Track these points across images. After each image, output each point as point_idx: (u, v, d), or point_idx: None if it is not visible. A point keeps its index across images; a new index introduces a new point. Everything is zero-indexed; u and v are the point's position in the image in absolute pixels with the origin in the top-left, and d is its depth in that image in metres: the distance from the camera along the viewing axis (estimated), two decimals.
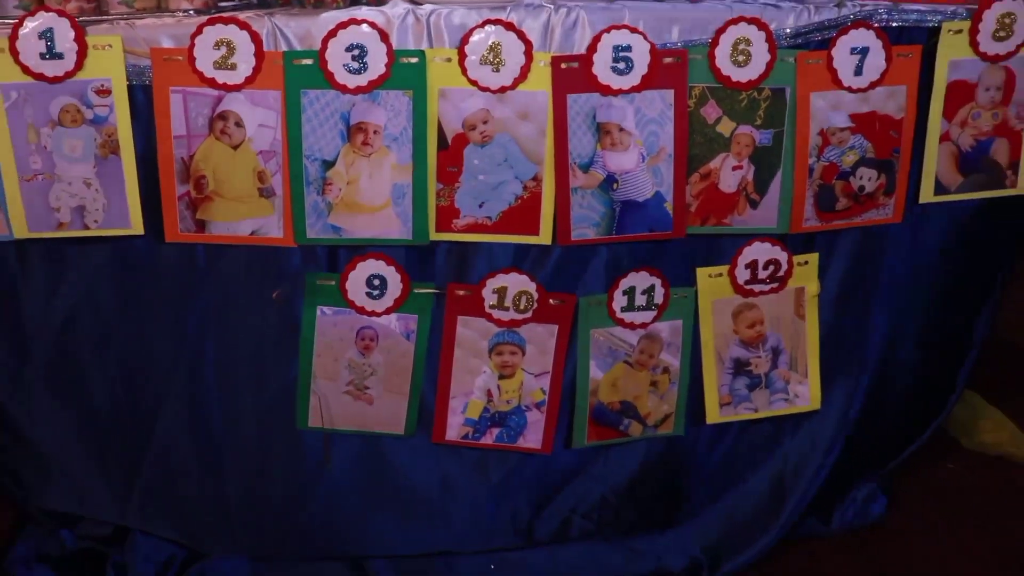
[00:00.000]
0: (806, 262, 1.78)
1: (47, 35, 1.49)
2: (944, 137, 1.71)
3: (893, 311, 1.90)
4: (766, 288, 1.79)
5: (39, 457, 1.85)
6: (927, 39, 1.67)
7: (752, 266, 1.76)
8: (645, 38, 1.58)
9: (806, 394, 1.88)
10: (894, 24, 1.64)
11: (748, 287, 1.78)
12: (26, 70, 1.52)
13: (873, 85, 1.65)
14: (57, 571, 1.95)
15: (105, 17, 1.64)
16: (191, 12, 1.67)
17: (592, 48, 1.57)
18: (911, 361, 1.98)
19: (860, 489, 2.12)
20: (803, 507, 1.99)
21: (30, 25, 1.49)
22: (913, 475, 2.27)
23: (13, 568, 1.96)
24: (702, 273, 1.77)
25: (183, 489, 1.89)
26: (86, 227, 1.61)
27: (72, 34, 1.50)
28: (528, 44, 1.56)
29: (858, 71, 1.64)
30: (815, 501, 2.04)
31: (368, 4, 1.74)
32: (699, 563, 1.97)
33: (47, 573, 1.95)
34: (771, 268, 1.76)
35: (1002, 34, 1.63)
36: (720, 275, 1.77)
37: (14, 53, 1.50)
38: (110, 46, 1.52)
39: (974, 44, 1.64)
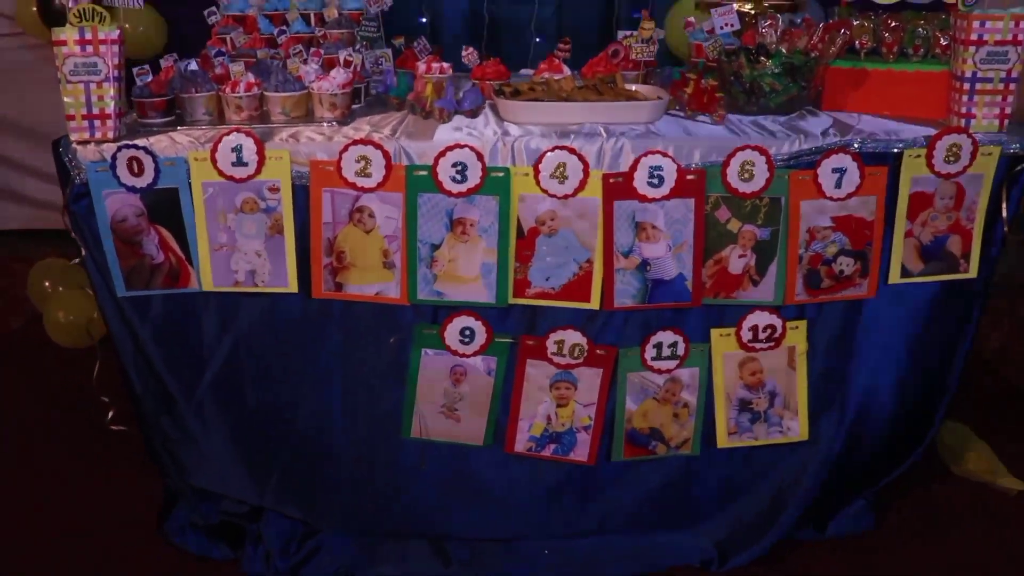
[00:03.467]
0: (796, 327, 2.16)
1: (237, 149, 1.99)
2: (908, 233, 2.10)
3: (870, 365, 2.23)
4: (765, 346, 2.17)
5: (199, 448, 2.31)
6: (892, 161, 2.05)
7: (754, 329, 2.15)
8: (673, 160, 1.97)
9: (796, 428, 2.26)
10: (867, 151, 2.04)
11: (751, 344, 2.17)
12: (221, 173, 2.01)
13: (850, 195, 2.03)
14: (204, 537, 2.42)
15: (272, 125, 2.15)
16: (334, 123, 2.19)
17: (633, 167, 1.98)
18: (887, 405, 2.29)
19: (851, 506, 2.45)
20: (796, 518, 2.33)
21: (226, 140, 1.99)
22: (904, 495, 2.58)
23: (171, 534, 2.44)
24: (715, 333, 2.16)
25: (309, 479, 2.32)
26: (255, 285, 2.10)
27: (255, 148, 1.99)
28: (586, 164, 1.98)
29: (838, 185, 2.02)
30: (810, 513, 2.37)
31: (465, 115, 2.25)
32: (710, 557, 2.35)
33: (198, 537, 2.43)
34: (769, 331, 2.15)
35: (951, 158, 2.03)
36: (729, 335, 2.16)
37: (213, 161, 2.00)
38: (281, 157, 2.01)
39: (930, 165, 2.03)
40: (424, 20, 4.38)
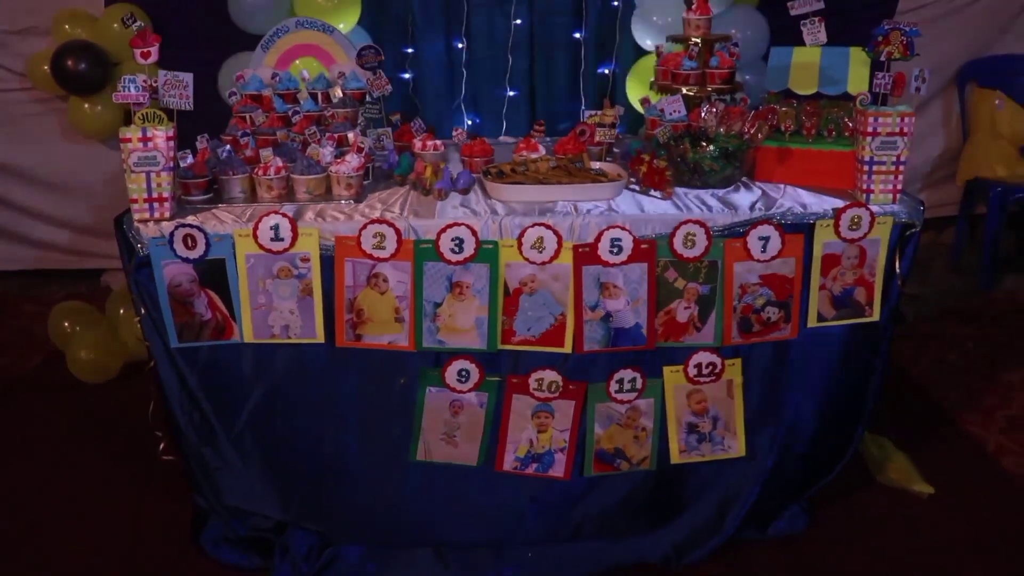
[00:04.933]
0: (733, 363, 2.58)
1: (275, 227, 2.40)
2: (822, 287, 2.54)
3: (796, 393, 2.65)
4: (707, 379, 2.58)
5: (235, 474, 2.68)
6: (807, 229, 2.48)
7: (698, 366, 2.56)
8: (630, 233, 2.37)
9: (735, 446, 2.68)
10: (786, 222, 2.48)
11: (696, 379, 2.57)
12: (261, 246, 2.41)
13: (773, 258, 2.44)
14: (236, 549, 2.78)
15: (300, 203, 2.57)
16: (351, 201, 2.62)
17: (598, 239, 2.38)
18: (812, 425, 2.69)
19: (788, 510, 2.86)
20: (739, 520, 2.73)
21: (266, 221, 2.40)
22: (834, 499, 2.97)
23: (206, 546, 2.80)
24: (667, 370, 2.57)
25: (328, 498, 2.70)
26: (289, 337, 2.50)
27: (290, 226, 2.40)
28: (559, 237, 2.37)
29: (764, 250, 2.44)
30: (753, 517, 2.78)
31: (459, 192, 2.69)
32: (669, 556, 2.74)
33: (230, 550, 2.79)
34: (711, 367, 2.57)
35: (854, 227, 2.48)
36: (678, 371, 2.57)
37: (255, 237, 2.40)
38: (311, 234, 2.41)
39: (837, 232, 2.47)
40: (407, 76, 4.80)
